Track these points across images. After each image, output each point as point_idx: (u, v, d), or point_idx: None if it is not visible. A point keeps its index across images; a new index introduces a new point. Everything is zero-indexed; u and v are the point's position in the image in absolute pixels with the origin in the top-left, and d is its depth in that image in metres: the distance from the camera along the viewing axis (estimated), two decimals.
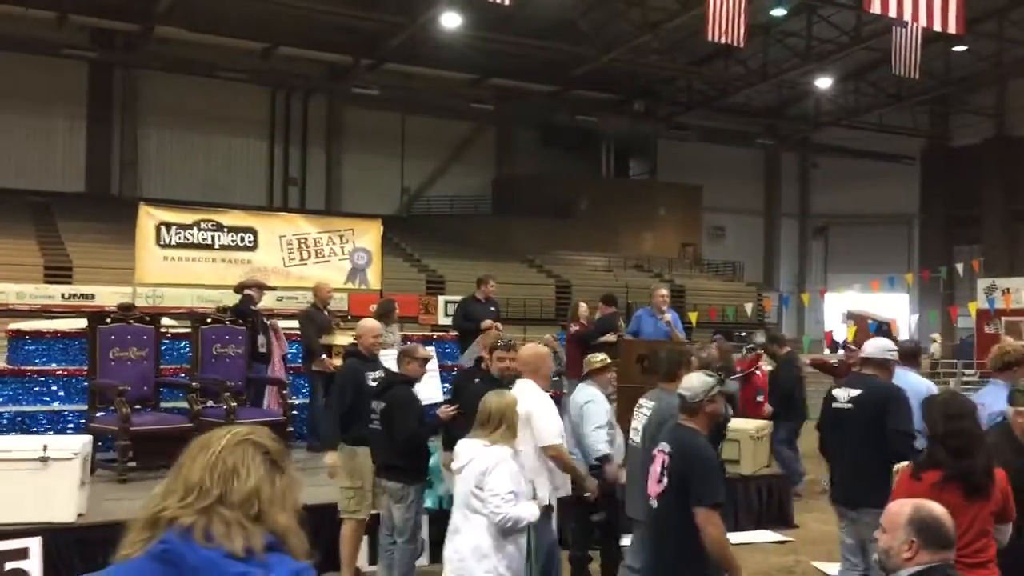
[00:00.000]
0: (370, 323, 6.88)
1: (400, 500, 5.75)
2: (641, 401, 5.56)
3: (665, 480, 4.18)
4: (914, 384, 5.73)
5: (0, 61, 29.66)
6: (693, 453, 4.11)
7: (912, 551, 2.88)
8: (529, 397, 5.21)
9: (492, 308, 10.26)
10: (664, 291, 10.15)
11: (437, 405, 8.49)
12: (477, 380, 5.88)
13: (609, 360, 6.34)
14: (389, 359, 8.17)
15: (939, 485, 3.68)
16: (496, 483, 4.39)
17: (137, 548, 1.81)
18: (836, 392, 5.47)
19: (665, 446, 4.25)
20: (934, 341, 28.97)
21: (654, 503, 4.27)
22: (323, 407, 9.19)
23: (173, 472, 1.88)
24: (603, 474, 5.85)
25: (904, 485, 3.87)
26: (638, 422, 5.43)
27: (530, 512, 4.51)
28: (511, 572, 4.45)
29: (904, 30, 22.66)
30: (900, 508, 2.99)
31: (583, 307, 10.59)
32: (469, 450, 4.59)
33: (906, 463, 4.15)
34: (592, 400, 6.00)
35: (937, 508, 2.95)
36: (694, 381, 4.34)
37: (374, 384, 6.18)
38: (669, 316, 9.65)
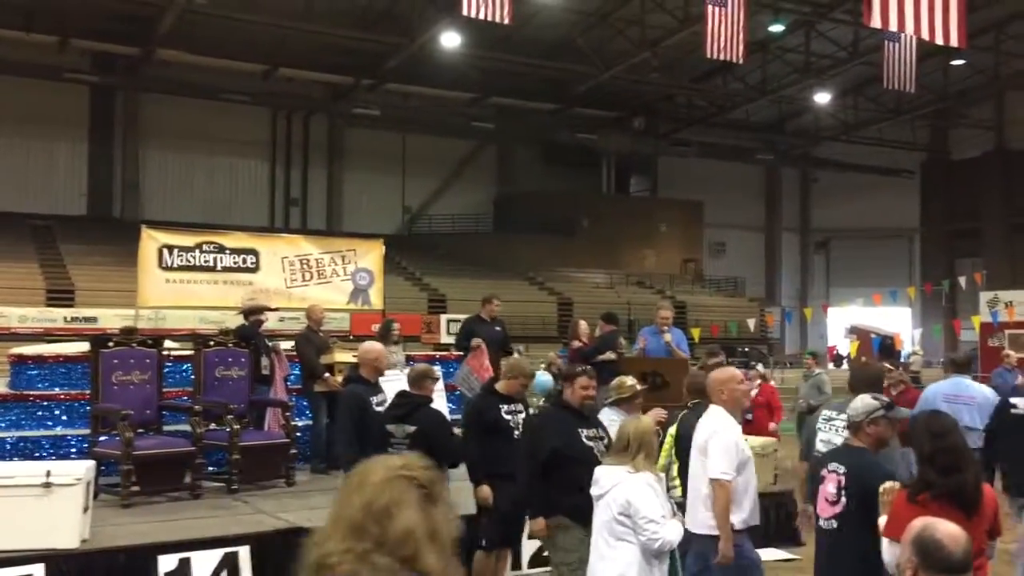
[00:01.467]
0: (371, 347, 6.74)
1: None
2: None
3: (843, 500, 4.30)
4: (979, 390, 6.65)
5: (2, 85, 29.82)
6: (869, 472, 4.28)
7: (913, 571, 2.85)
8: (711, 424, 5.08)
9: (498, 328, 10.18)
10: (665, 312, 10.06)
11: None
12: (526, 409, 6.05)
13: (639, 388, 6.30)
14: (392, 381, 8.19)
15: (934, 506, 3.67)
16: (647, 509, 4.47)
17: None
18: (1016, 400, 6.31)
19: (838, 467, 4.37)
20: (915, 354, 28.99)
21: (830, 523, 4.37)
22: (325, 428, 9.18)
23: (332, 511, 1.88)
24: None
25: (902, 509, 3.83)
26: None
27: (676, 533, 4.60)
28: None
29: (896, 44, 22.71)
30: (912, 525, 2.96)
31: (583, 325, 10.53)
32: (611, 476, 4.62)
33: (896, 485, 4.14)
34: (614, 425, 5.90)
35: (942, 530, 2.87)
36: (858, 403, 4.53)
37: (379, 409, 6.11)
38: (669, 336, 9.62)
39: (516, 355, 9.32)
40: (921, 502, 3.78)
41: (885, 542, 3.92)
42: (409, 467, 1.88)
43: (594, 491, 4.66)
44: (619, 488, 4.54)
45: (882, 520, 4.02)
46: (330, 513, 1.88)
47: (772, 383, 11.00)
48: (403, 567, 1.76)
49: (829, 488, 4.35)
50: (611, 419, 5.90)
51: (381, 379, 6.95)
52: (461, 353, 10.41)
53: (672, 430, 6.20)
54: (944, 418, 4.22)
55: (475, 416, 6.07)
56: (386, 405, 6.18)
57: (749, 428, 9.44)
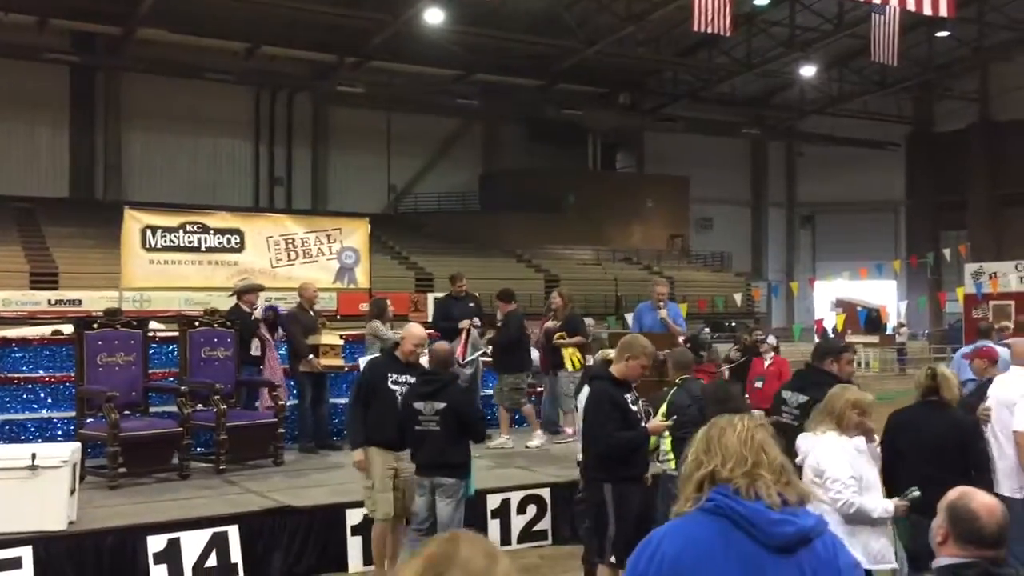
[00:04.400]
0: (416, 330, 6.44)
1: (451, 496, 5.80)
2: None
3: None
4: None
5: None
6: None
7: (942, 538, 2.82)
8: (1018, 384, 5.72)
9: (471, 304, 10.28)
10: (661, 288, 10.15)
11: None
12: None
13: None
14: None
15: None
16: (832, 469, 4.36)
17: (689, 504, 2.28)
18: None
19: None
20: (902, 325, 29.18)
21: None
22: (311, 408, 9.19)
23: (701, 444, 2.35)
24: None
25: None
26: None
27: (880, 507, 4.43)
28: (869, 558, 4.35)
29: (883, 17, 22.62)
30: (949, 492, 2.93)
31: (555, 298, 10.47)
32: (805, 442, 4.59)
33: None
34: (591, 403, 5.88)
35: (978, 501, 2.82)
36: None
37: (394, 387, 6.06)
38: (664, 312, 9.66)
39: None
40: None
41: None
42: (761, 419, 2.51)
43: (797, 460, 4.55)
44: (811, 452, 4.50)
45: None
46: (698, 443, 2.36)
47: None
48: (778, 484, 2.24)
49: None
50: (582, 397, 5.94)
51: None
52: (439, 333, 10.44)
53: (663, 408, 6.18)
54: (729, 388, 4.89)
55: (610, 406, 5.36)
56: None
57: (757, 397, 9.49)
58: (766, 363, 10.30)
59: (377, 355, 6.52)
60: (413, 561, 1.68)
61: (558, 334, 9.80)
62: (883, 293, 37.97)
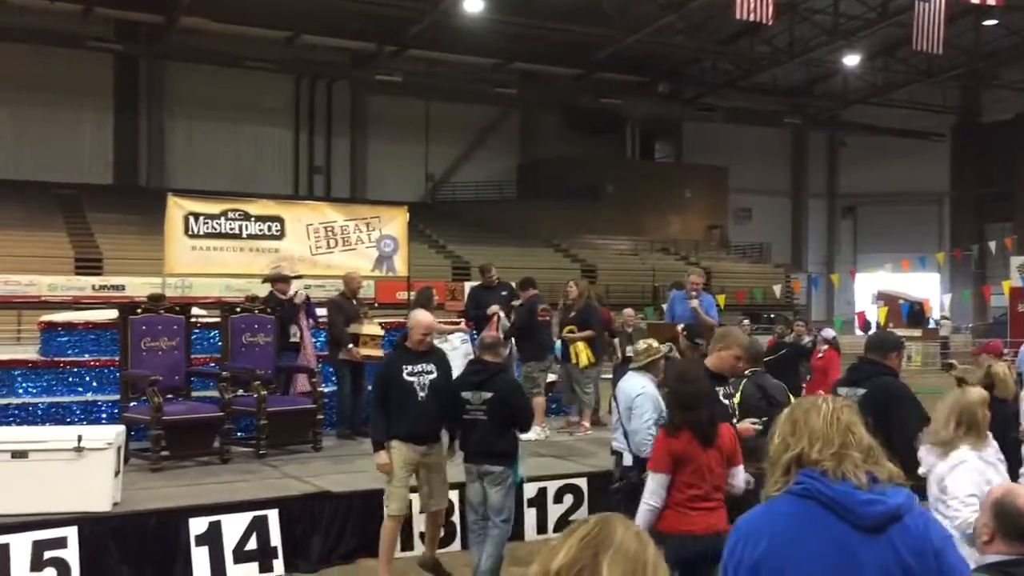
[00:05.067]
0: (422, 317, 6.29)
1: (500, 483, 5.84)
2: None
3: None
4: None
5: (27, 55, 29.92)
6: None
7: (989, 536, 2.80)
8: None
9: (504, 292, 10.29)
10: (695, 277, 10.06)
11: None
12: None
13: (663, 350, 6.17)
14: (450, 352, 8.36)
15: (682, 436, 4.57)
16: (955, 485, 4.09)
17: (778, 488, 2.31)
18: None
19: None
20: (945, 318, 28.70)
21: None
22: (349, 395, 9.26)
23: (786, 426, 2.36)
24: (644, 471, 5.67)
25: (660, 442, 4.72)
26: None
27: None
28: None
29: (928, 4, 22.26)
30: (993, 490, 2.91)
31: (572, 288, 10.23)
32: (928, 456, 4.31)
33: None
34: (643, 392, 5.77)
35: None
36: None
37: (411, 379, 5.93)
38: (695, 302, 9.58)
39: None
40: (672, 434, 4.62)
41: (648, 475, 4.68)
42: (847, 399, 2.54)
43: (921, 470, 4.34)
44: (936, 468, 4.23)
45: None
46: (782, 426, 2.37)
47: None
48: (866, 463, 2.26)
49: None
50: (642, 385, 5.85)
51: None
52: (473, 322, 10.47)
53: (737, 398, 6.05)
54: (689, 372, 4.96)
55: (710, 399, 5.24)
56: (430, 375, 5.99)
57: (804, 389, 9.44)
58: (818, 356, 10.22)
59: (392, 352, 6.35)
60: (567, 541, 1.70)
61: (567, 328, 9.56)
62: (926, 286, 37.41)
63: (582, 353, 9.50)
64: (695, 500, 4.53)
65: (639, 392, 5.76)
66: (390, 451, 5.93)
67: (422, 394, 5.92)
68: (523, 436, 8.78)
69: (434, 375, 6.00)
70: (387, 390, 5.98)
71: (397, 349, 6.30)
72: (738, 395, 5.83)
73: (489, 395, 5.83)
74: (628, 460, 5.74)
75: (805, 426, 2.32)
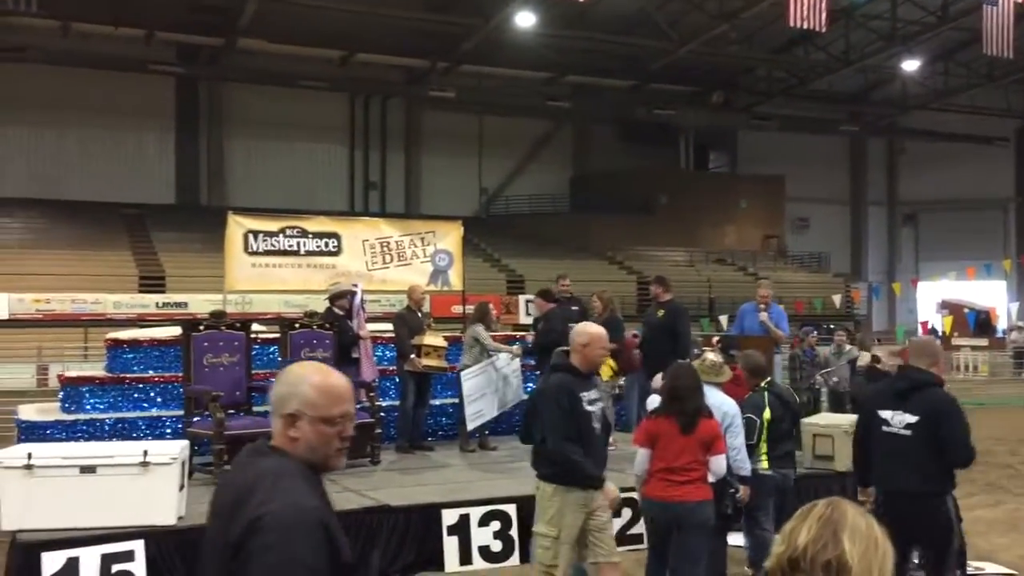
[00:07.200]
0: (599, 330, 5.22)
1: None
2: None
3: None
4: None
5: (93, 79, 30.84)
6: None
7: None
8: None
9: (575, 308, 10.05)
10: (764, 291, 9.97)
11: (523, 404, 8.52)
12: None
13: (725, 365, 6.17)
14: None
15: (663, 421, 5.31)
16: None
17: None
18: None
19: None
20: (1019, 328, 27.82)
21: None
22: (412, 408, 9.30)
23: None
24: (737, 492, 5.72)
25: (645, 423, 5.57)
26: None
27: None
28: None
29: (995, 9, 21.79)
30: None
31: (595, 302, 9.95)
32: None
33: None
34: (736, 409, 5.86)
35: None
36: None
37: (590, 409, 4.99)
38: (765, 315, 9.45)
39: None
40: (653, 416, 5.46)
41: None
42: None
43: None
44: None
45: None
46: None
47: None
48: None
49: None
50: (731, 402, 5.87)
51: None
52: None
53: (766, 414, 6.25)
54: (683, 369, 5.55)
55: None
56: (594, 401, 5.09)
57: None
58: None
59: (559, 374, 5.11)
60: (805, 522, 1.83)
61: None
62: (992, 294, 36.44)
63: (605, 366, 9.24)
64: (666, 472, 5.22)
65: (734, 410, 5.83)
66: (586, 496, 4.96)
67: (597, 427, 5.02)
68: None
69: (602, 404, 5.19)
70: (568, 421, 4.91)
71: (562, 371, 5.09)
72: (767, 411, 6.24)
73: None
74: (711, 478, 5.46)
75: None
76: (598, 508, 5.00)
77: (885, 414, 5.01)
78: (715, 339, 8.97)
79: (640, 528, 7.14)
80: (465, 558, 6.58)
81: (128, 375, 9.24)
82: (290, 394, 2.29)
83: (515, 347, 9.85)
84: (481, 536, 6.79)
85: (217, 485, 2.38)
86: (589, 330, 5.12)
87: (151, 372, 9.38)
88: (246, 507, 2.11)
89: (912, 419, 4.90)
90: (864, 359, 9.88)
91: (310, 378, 2.31)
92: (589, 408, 4.94)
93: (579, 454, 4.88)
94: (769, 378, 6.45)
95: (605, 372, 9.20)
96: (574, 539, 4.96)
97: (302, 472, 2.19)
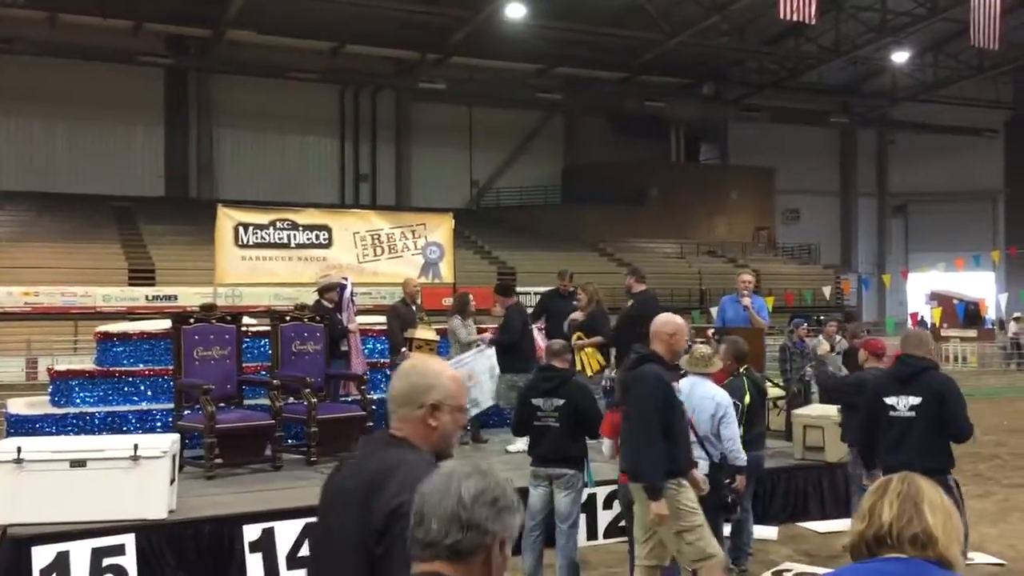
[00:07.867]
0: (679, 320, 5.14)
1: (571, 487, 5.85)
2: None
3: None
4: None
5: (81, 71, 30.65)
6: None
7: None
8: None
9: (575, 302, 9.81)
10: (747, 276, 9.87)
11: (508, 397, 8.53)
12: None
13: (716, 356, 6.16)
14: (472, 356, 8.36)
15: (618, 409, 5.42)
16: None
17: None
18: None
19: None
20: (1017, 319, 27.91)
21: None
22: None
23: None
24: (733, 482, 5.77)
25: (609, 415, 5.74)
26: None
27: None
28: None
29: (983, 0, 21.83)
30: None
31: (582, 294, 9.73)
32: None
33: None
34: (731, 402, 5.85)
35: None
36: None
37: (681, 399, 5.19)
38: (748, 300, 9.38)
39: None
40: (616, 408, 5.52)
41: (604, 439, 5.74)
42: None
43: None
44: None
45: None
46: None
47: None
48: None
49: None
50: (722, 392, 5.85)
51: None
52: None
53: (747, 399, 6.32)
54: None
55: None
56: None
57: None
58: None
59: (653, 365, 4.93)
60: (884, 499, 1.92)
61: (576, 334, 9.01)
62: (981, 285, 36.61)
63: (591, 359, 9.07)
64: None
65: (727, 400, 5.79)
66: (679, 493, 4.90)
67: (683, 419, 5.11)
68: (510, 448, 8.50)
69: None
70: (663, 417, 4.84)
71: (652, 361, 4.93)
72: (747, 396, 6.29)
73: (561, 401, 5.83)
74: (705, 468, 5.51)
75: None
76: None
77: (891, 400, 5.31)
78: (711, 331, 8.90)
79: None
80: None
81: (118, 368, 9.19)
82: (431, 386, 2.40)
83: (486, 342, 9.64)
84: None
85: (338, 475, 2.47)
86: (676, 320, 5.10)
87: (141, 365, 9.33)
88: (381, 495, 2.22)
89: (916, 400, 5.23)
90: (823, 347, 9.76)
91: (446, 371, 2.48)
92: (680, 399, 5.10)
93: (661, 455, 4.83)
94: (747, 367, 6.54)
95: (593, 365, 9.11)
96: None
97: (428, 460, 2.30)
